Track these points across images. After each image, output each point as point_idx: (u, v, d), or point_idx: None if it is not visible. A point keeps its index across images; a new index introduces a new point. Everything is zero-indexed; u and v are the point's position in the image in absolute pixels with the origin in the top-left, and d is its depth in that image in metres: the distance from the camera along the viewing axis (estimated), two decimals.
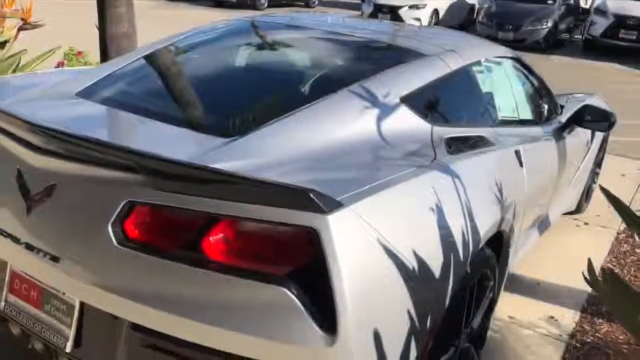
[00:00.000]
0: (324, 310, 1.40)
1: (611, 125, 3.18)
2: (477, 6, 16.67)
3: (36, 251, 1.67)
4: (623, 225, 4.14)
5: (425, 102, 2.21)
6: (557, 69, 11.08)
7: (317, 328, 1.40)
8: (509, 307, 2.92)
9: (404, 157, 1.88)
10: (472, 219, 1.87)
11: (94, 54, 4.64)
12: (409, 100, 2.11)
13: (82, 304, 1.66)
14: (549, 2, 14.25)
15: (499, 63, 2.91)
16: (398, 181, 1.67)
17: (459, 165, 1.96)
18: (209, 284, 1.46)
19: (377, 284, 1.50)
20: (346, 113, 1.96)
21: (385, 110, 2.01)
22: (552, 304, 3.04)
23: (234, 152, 1.70)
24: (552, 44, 13.84)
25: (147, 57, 2.49)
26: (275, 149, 1.74)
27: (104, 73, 2.30)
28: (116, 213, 1.54)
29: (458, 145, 2.14)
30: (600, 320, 2.96)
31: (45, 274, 1.70)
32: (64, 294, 1.70)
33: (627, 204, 1.53)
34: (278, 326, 1.41)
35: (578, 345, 2.74)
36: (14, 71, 3.69)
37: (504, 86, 2.87)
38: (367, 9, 15.53)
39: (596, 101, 3.94)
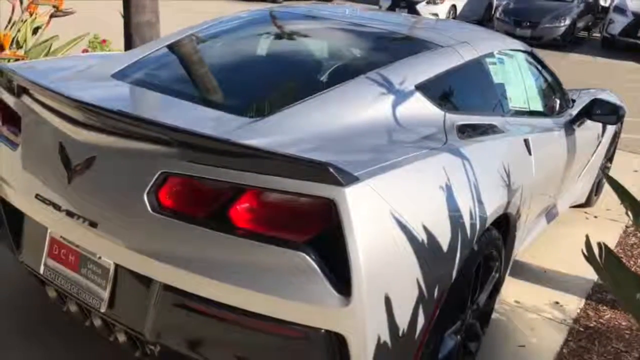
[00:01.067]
0: (339, 274, 1.52)
1: (619, 118, 3.26)
2: (495, 2, 16.65)
3: (76, 217, 1.82)
4: None
5: (439, 90, 2.32)
6: (574, 67, 11.07)
7: (333, 290, 1.52)
8: (516, 292, 3.02)
9: (417, 140, 2.00)
10: (479, 200, 1.99)
11: (119, 41, 4.80)
12: (424, 88, 2.23)
13: (116, 267, 1.80)
14: None
15: (511, 56, 3.00)
16: (411, 161, 1.79)
17: (469, 149, 2.07)
18: (236, 248, 1.59)
19: (389, 253, 1.62)
20: (364, 98, 2.08)
21: (401, 97, 2.13)
22: (558, 290, 3.14)
23: (258, 130, 1.82)
24: (570, 42, 13.80)
25: (176, 44, 2.62)
26: (297, 129, 1.86)
27: (136, 57, 2.44)
28: (151, 183, 1.68)
29: (469, 132, 2.25)
30: (604, 308, 3.05)
31: (84, 239, 1.84)
32: (100, 257, 1.84)
33: (638, 200, 1.62)
34: (298, 288, 1.54)
35: (581, 329, 2.84)
36: (45, 55, 3.85)
37: (516, 78, 2.97)
38: (385, 3, 15.56)
39: (607, 96, 4.01)
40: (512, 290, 3.01)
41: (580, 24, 14.63)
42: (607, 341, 2.78)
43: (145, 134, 1.68)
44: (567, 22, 13.51)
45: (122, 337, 1.91)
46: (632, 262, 3.63)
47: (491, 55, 2.76)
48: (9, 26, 3.91)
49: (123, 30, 4.56)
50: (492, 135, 2.38)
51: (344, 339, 1.58)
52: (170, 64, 2.56)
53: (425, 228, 1.73)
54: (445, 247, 1.81)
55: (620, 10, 13.26)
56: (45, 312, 2.44)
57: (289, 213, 1.60)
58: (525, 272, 3.26)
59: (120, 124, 1.71)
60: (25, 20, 3.88)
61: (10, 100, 2.11)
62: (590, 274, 3.33)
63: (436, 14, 14.76)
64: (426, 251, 1.73)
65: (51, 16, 3.95)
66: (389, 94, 2.12)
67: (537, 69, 3.31)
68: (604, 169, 4.41)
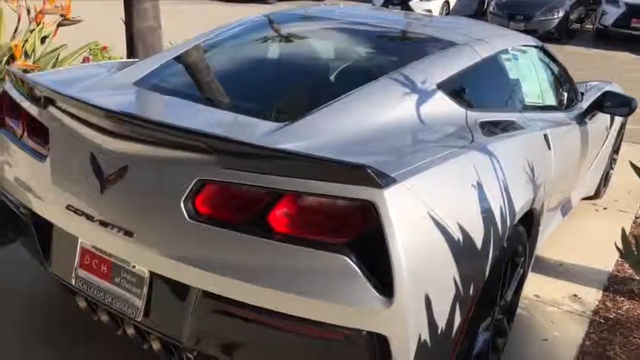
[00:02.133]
0: (381, 276, 1.53)
1: (632, 110, 3.29)
2: None
3: (110, 227, 1.81)
4: None
5: (459, 88, 2.34)
6: (570, 59, 11.11)
7: (374, 291, 1.53)
8: (534, 286, 3.04)
9: (445, 139, 2.01)
10: (508, 197, 2.00)
11: (121, 48, 4.79)
12: (445, 87, 2.24)
13: (152, 275, 1.80)
14: None
15: (524, 51, 3.02)
16: (443, 160, 1.80)
17: (495, 146, 2.08)
18: (275, 253, 1.59)
19: (428, 253, 1.63)
20: (389, 98, 2.09)
21: (424, 96, 2.14)
22: (575, 283, 3.17)
23: (288, 135, 1.83)
24: (564, 34, 13.86)
25: (196, 50, 2.62)
26: (327, 132, 1.87)
27: (156, 65, 2.44)
28: (188, 190, 1.68)
29: (491, 128, 2.27)
30: (622, 298, 3.08)
31: (118, 248, 1.84)
32: (134, 266, 1.84)
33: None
34: (339, 290, 1.54)
35: (602, 321, 2.86)
36: (53, 65, 3.83)
37: (530, 73, 2.99)
38: (378, 1, 15.58)
39: (613, 88, 4.04)
40: (531, 285, 3.03)
41: (573, 16, 14.70)
42: (628, 332, 2.80)
43: (180, 142, 1.68)
44: (561, 14, 13.57)
45: (156, 345, 1.91)
46: None
47: (506, 51, 2.77)
48: (16, 36, 3.89)
49: (125, 37, 4.56)
50: (514, 131, 2.39)
51: (386, 340, 1.58)
52: (192, 70, 2.56)
53: (460, 227, 1.74)
54: (479, 245, 1.82)
55: (613, 1, 13.34)
56: (70, 320, 2.44)
57: (328, 216, 1.60)
58: (542, 266, 3.28)
59: (153, 132, 1.71)
60: (33, 30, 3.86)
61: (34, 111, 2.10)
62: (605, 265, 3.36)
63: (429, 10, 14.79)
64: (462, 250, 1.74)
65: (59, 25, 3.93)
66: (412, 94, 2.13)
67: (549, 63, 3.34)
68: (611, 161, 4.44)
